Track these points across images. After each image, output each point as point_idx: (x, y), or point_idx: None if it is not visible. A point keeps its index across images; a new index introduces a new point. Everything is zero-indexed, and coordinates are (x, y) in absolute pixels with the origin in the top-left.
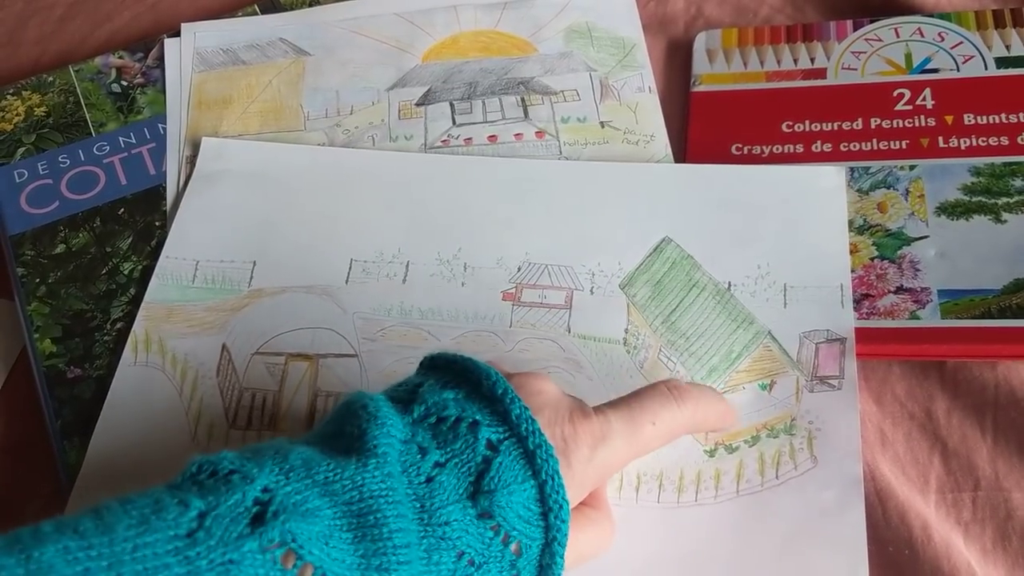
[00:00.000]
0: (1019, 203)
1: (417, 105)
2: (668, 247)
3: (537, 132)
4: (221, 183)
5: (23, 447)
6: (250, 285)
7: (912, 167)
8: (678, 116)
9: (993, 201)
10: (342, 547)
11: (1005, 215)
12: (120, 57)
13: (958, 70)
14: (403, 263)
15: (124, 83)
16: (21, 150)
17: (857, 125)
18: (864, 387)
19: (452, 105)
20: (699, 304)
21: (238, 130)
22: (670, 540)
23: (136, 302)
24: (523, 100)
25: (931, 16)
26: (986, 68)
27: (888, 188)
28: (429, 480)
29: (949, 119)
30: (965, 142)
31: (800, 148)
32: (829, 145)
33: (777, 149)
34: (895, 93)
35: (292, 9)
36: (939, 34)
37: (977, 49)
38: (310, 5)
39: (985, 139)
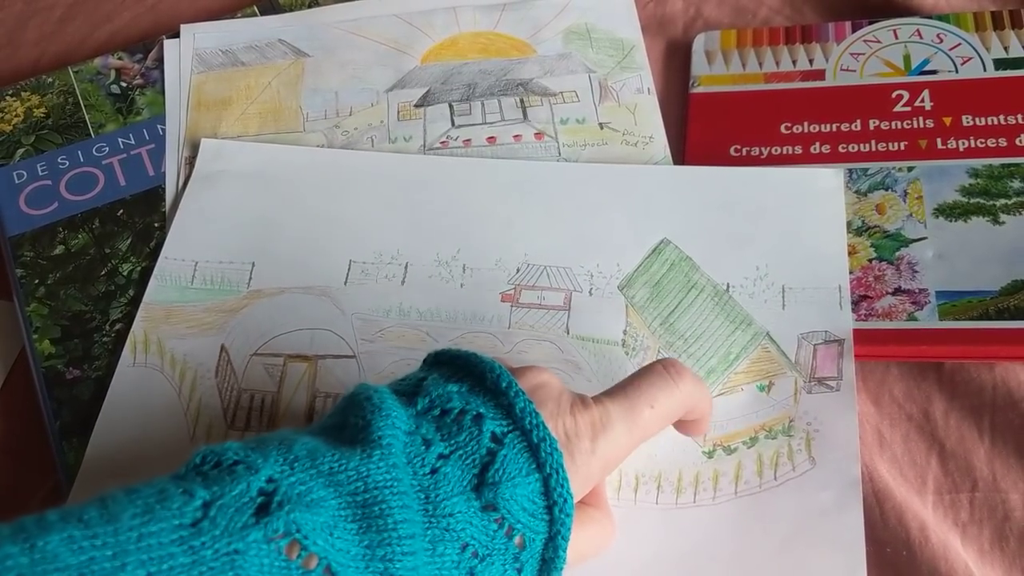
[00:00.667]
0: (1017, 205)
1: (416, 106)
2: (667, 248)
3: (536, 133)
4: (220, 184)
5: (22, 448)
6: (249, 286)
7: (910, 168)
8: (677, 117)
9: (991, 203)
10: (347, 537)
11: (1003, 217)
12: (119, 58)
13: (956, 71)
14: (402, 264)
15: (123, 84)
16: (20, 151)
17: (855, 126)
18: (862, 388)
19: (451, 106)
20: (697, 305)
21: (237, 131)
22: (668, 541)
23: (135, 303)
24: (522, 101)
25: (930, 17)
26: (984, 70)
27: (886, 189)
28: (433, 472)
29: (947, 120)
30: (963, 143)
31: (799, 149)
32: (828, 146)
33: (776, 150)
34: (894, 94)
35: (291, 10)
36: (938, 35)
37: (975, 51)
38: (309, 6)
39: (983, 141)
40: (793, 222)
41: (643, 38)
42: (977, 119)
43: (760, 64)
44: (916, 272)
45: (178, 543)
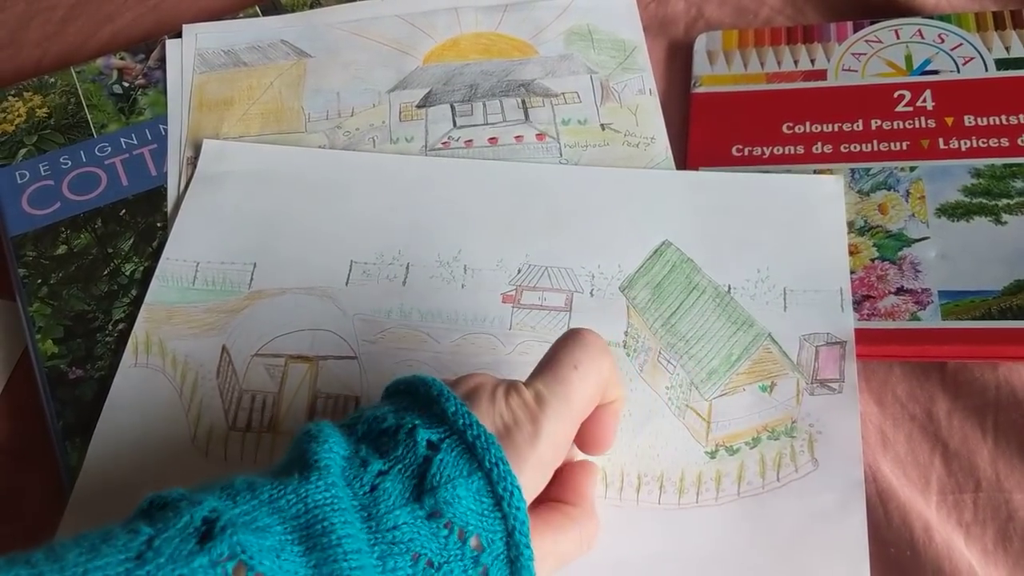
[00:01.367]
0: (1019, 204)
1: (418, 107)
2: (668, 250)
3: (538, 134)
4: (222, 185)
5: (24, 447)
6: (250, 287)
7: (912, 168)
8: (679, 117)
9: (993, 202)
10: (294, 559)
11: (1005, 216)
12: (121, 58)
13: (958, 71)
14: (403, 265)
15: (125, 84)
16: (23, 151)
17: (858, 126)
18: (865, 388)
19: (453, 107)
20: (699, 307)
21: (239, 131)
22: (671, 541)
23: (138, 303)
24: (524, 102)
25: (931, 18)
26: (986, 69)
27: (889, 189)
28: (373, 489)
29: (949, 120)
30: (965, 143)
31: (801, 149)
32: (829, 146)
33: (778, 150)
34: (895, 94)
35: (293, 11)
36: (939, 35)
37: (977, 51)
38: (311, 7)
39: (985, 140)
40: (794, 226)
41: (645, 38)
42: (979, 119)
43: (762, 64)
44: (919, 272)
45: (123, 574)
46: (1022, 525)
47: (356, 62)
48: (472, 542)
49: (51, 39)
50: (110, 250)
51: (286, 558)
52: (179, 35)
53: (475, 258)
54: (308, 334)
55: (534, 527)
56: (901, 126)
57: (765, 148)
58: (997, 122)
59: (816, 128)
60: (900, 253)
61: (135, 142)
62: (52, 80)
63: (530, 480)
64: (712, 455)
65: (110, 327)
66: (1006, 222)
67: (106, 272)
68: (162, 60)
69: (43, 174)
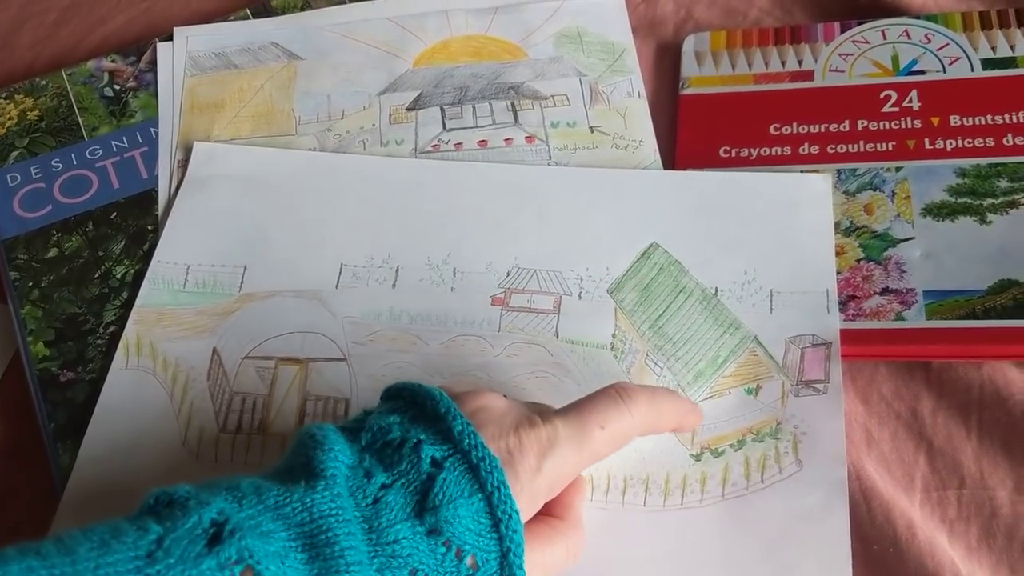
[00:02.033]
0: (1004, 204)
1: (408, 110)
2: (656, 252)
3: (527, 137)
4: (213, 187)
5: (16, 449)
6: (241, 289)
7: (898, 169)
8: (666, 119)
9: (978, 202)
10: (297, 567)
11: (990, 216)
12: (112, 61)
13: (944, 72)
14: (393, 268)
15: (116, 87)
16: (14, 154)
17: (844, 127)
18: (851, 387)
19: (443, 110)
20: (686, 309)
21: (230, 134)
22: (656, 543)
23: (129, 306)
24: (513, 105)
25: (918, 18)
26: (972, 69)
27: (874, 190)
28: (376, 501)
29: (935, 121)
30: (951, 143)
31: (788, 150)
32: (816, 147)
33: (765, 151)
34: (882, 95)
35: (284, 13)
36: (926, 36)
37: (963, 51)
38: (302, 9)
39: (971, 140)
40: (781, 226)
41: (633, 40)
42: (965, 119)
43: (749, 65)
44: (904, 272)
45: (134, 572)
46: (1005, 522)
47: (346, 64)
48: (468, 561)
49: (43, 42)
50: (101, 253)
51: (290, 565)
52: (170, 38)
53: (464, 261)
54: (298, 337)
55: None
56: (887, 126)
57: (752, 149)
58: (983, 122)
59: (803, 129)
60: (885, 253)
61: (126, 145)
62: (43, 83)
63: (523, 507)
64: (697, 458)
65: (101, 330)
66: (991, 222)
67: (97, 275)
68: (153, 63)
69: (34, 177)
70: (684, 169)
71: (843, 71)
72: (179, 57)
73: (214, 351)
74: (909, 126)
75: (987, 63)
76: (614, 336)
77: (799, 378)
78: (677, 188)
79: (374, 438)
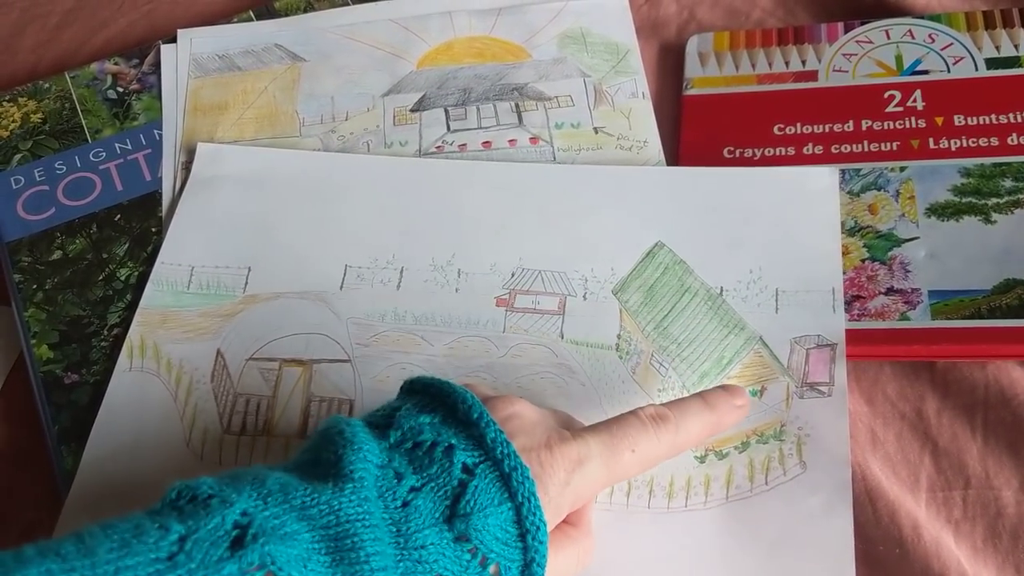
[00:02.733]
0: (1009, 204)
1: (412, 111)
2: (660, 252)
3: (531, 138)
4: (216, 189)
5: (20, 452)
6: (245, 291)
7: (903, 168)
8: (670, 119)
9: (983, 202)
10: (320, 570)
11: (995, 216)
12: (116, 63)
13: (948, 71)
14: (397, 269)
15: (120, 89)
16: (17, 156)
17: (848, 127)
18: (855, 388)
19: (446, 111)
20: (691, 310)
21: (233, 136)
22: (660, 545)
23: (133, 308)
24: (517, 106)
25: (921, 18)
26: (976, 69)
27: (879, 190)
28: (405, 504)
29: (939, 120)
30: (955, 143)
31: (792, 151)
32: (820, 147)
33: (769, 152)
34: (886, 95)
35: (287, 15)
36: (929, 35)
37: (967, 50)
38: (305, 11)
39: (975, 140)
40: (787, 223)
41: (637, 41)
42: (969, 119)
43: (753, 66)
44: (908, 272)
45: None
46: (1011, 522)
47: (350, 66)
48: (491, 569)
49: (46, 45)
50: (105, 255)
51: (313, 568)
52: (174, 40)
53: (469, 262)
54: (302, 338)
55: None
56: (891, 126)
57: (756, 149)
58: (987, 121)
59: (807, 129)
60: (890, 253)
61: (129, 147)
62: (47, 85)
63: (548, 519)
64: (701, 460)
65: (105, 332)
66: (995, 221)
67: (101, 277)
68: (156, 65)
69: (38, 180)
70: None
71: (847, 71)
72: (183, 59)
73: (218, 352)
74: (913, 126)
75: (991, 63)
76: (619, 337)
77: (804, 380)
78: (681, 185)
79: (403, 437)
